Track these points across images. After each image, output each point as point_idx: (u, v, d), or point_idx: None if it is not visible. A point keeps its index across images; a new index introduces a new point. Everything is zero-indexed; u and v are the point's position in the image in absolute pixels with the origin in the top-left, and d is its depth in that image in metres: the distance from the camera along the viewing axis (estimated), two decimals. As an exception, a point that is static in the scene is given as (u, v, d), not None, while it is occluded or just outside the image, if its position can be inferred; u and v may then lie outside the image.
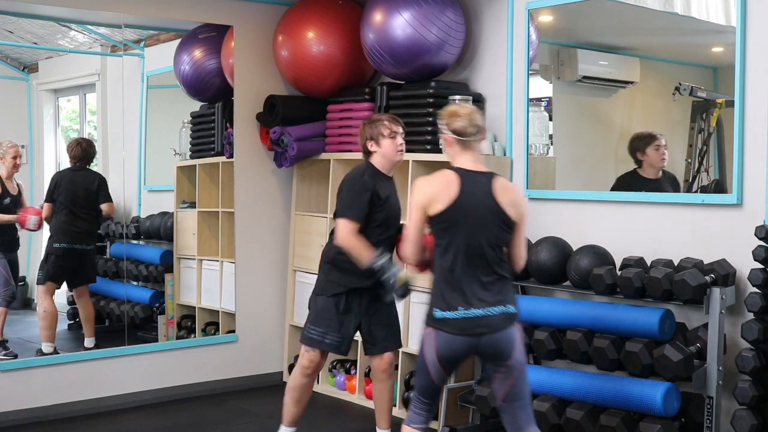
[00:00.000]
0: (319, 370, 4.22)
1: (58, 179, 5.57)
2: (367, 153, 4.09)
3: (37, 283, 5.47)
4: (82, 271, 5.67)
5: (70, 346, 5.69)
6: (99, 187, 5.63)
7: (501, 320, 3.22)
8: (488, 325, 3.20)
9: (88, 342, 5.60)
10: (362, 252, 3.88)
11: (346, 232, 3.91)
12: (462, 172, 3.27)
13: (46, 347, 5.30)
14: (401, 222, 4.07)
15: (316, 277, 5.55)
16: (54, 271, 5.47)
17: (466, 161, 3.31)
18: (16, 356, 5.16)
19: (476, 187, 3.25)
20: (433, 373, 3.29)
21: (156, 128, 6.06)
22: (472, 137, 3.30)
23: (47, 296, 5.41)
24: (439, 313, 3.22)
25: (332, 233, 4.09)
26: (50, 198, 5.51)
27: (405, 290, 3.90)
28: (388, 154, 4.04)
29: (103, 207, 5.63)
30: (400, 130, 4.08)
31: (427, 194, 3.25)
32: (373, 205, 3.95)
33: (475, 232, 3.22)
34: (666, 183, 4.48)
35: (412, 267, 3.58)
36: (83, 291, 5.69)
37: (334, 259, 4.09)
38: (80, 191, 5.56)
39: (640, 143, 4.54)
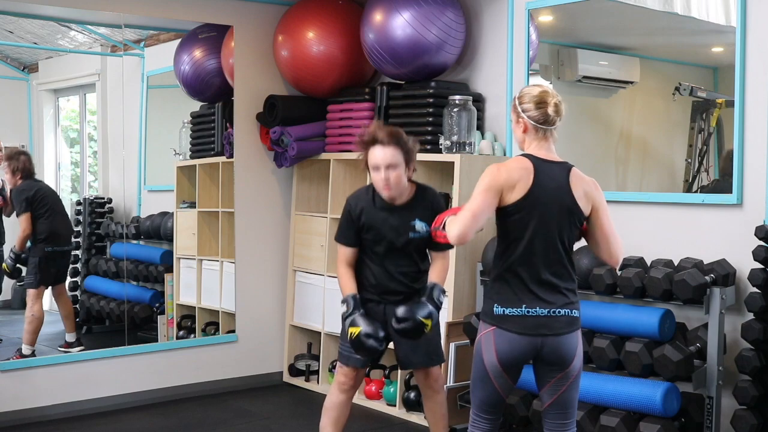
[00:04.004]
0: (357, 386, 3.86)
1: (35, 190, 5.43)
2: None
3: (29, 287, 5.42)
4: (64, 270, 5.71)
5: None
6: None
7: (565, 323, 3.02)
8: (551, 326, 2.99)
9: (69, 337, 5.61)
10: (342, 286, 3.71)
11: (339, 257, 3.75)
12: (537, 161, 3.00)
13: (26, 349, 5.30)
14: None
15: (315, 277, 5.61)
16: (48, 274, 5.48)
17: (540, 149, 3.04)
18: None
19: (551, 180, 2.99)
20: (496, 381, 3.04)
21: (156, 128, 6.05)
22: (553, 127, 3.04)
23: (38, 300, 5.41)
24: (499, 309, 3.00)
25: None
26: (28, 208, 5.39)
27: (357, 343, 3.59)
28: (376, 185, 3.63)
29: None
30: (391, 160, 3.53)
31: (505, 179, 2.95)
32: (361, 230, 3.69)
33: (547, 227, 2.98)
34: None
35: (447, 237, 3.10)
36: (62, 289, 5.70)
37: (358, 273, 3.80)
38: (48, 195, 5.54)
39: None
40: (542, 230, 2.99)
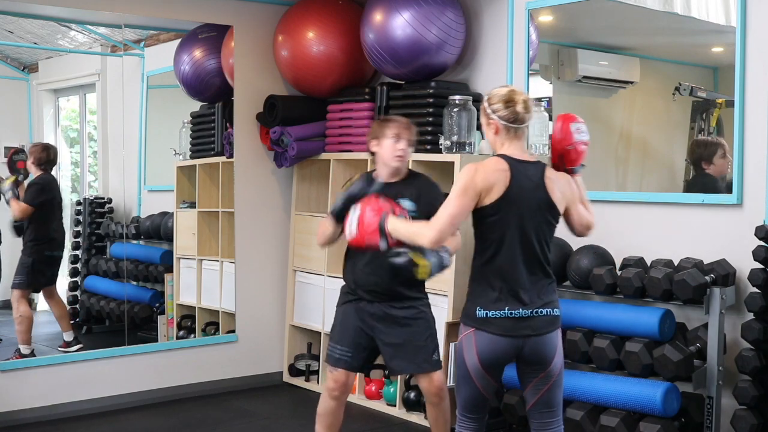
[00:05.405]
0: (347, 391, 3.89)
1: (45, 184, 5.44)
2: (372, 154, 3.87)
3: (17, 288, 5.39)
4: (55, 274, 5.66)
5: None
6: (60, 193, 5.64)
7: (546, 323, 3.03)
8: (534, 327, 2.99)
9: (67, 336, 5.59)
10: (322, 230, 3.80)
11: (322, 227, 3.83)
12: (512, 161, 3.00)
13: (25, 349, 5.29)
14: None
15: (315, 276, 5.61)
16: (40, 277, 5.47)
17: (514, 150, 3.04)
18: None
19: (527, 179, 3.00)
20: (478, 382, 3.05)
21: (156, 128, 6.06)
22: (524, 125, 3.04)
23: (24, 301, 5.39)
24: (481, 312, 2.99)
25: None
26: (34, 202, 5.36)
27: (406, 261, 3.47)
28: (385, 156, 3.75)
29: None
30: (408, 136, 3.79)
31: (483, 180, 2.95)
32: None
33: (525, 226, 2.98)
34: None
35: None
36: (53, 291, 5.66)
37: (343, 268, 3.90)
38: (59, 197, 5.54)
39: (704, 152, 4.35)
40: (521, 230, 2.99)
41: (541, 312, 3.02)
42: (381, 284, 3.73)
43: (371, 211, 3.27)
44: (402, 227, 3.19)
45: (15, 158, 5.44)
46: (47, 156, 5.47)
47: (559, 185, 3.08)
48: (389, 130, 3.77)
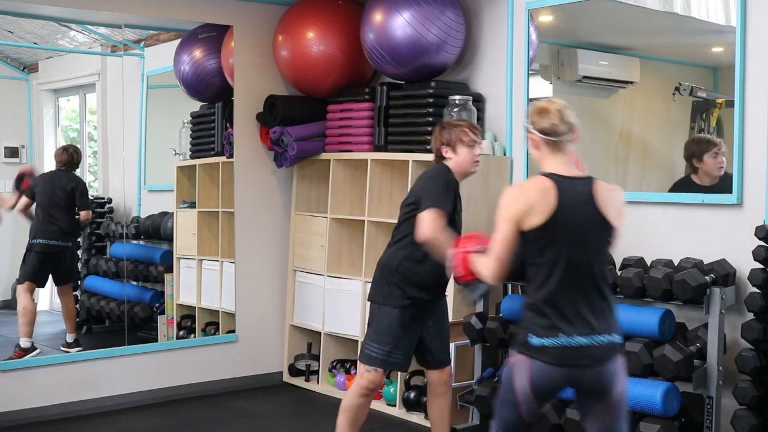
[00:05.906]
0: (378, 389, 3.91)
1: (39, 180, 5.53)
2: (440, 158, 3.79)
3: (18, 282, 5.46)
4: (62, 269, 5.66)
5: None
6: (79, 192, 5.61)
7: (606, 351, 2.83)
8: (592, 356, 2.81)
9: (69, 337, 5.60)
10: (445, 248, 3.48)
11: (436, 223, 3.56)
12: (557, 179, 2.84)
13: (24, 342, 5.30)
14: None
15: (315, 276, 5.60)
16: (33, 269, 5.45)
17: (558, 165, 2.89)
18: None
19: (575, 196, 2.83)
20: (524, 407, 2.89)
21: (156, 128, 6.06)
22: (563, 137, 2.89)
23: (26, 294, 5.40)
24: (536, 340, 2.82)
25: (395, 238, 3.84)
26: (30, 195, 5.48)
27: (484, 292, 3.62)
28: (464, 163, 3.74)
29: (81, 213, 5.62)
30: (480, 139, 3.83)
31: (522, 205, 2.82)
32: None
33: (578, 247, 2.82)
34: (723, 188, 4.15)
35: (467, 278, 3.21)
36: (66, 289, 5.69)
37: (399, 267, 3.77)
38: (59, 192, 5.53)
39: (696, 149, 4.32)
40: (574, 252, 2.84)
41: (600, 339, 2.84)
42: (444, 278, 3.74)
43: (467, 247, 3.23)
44: (476, 262, 3.10)
45: (23, 177, 5.56)
46: (67, 157, 5.61)
47: (612, 200, 2.91)
48: (464, 137, 3.77)
